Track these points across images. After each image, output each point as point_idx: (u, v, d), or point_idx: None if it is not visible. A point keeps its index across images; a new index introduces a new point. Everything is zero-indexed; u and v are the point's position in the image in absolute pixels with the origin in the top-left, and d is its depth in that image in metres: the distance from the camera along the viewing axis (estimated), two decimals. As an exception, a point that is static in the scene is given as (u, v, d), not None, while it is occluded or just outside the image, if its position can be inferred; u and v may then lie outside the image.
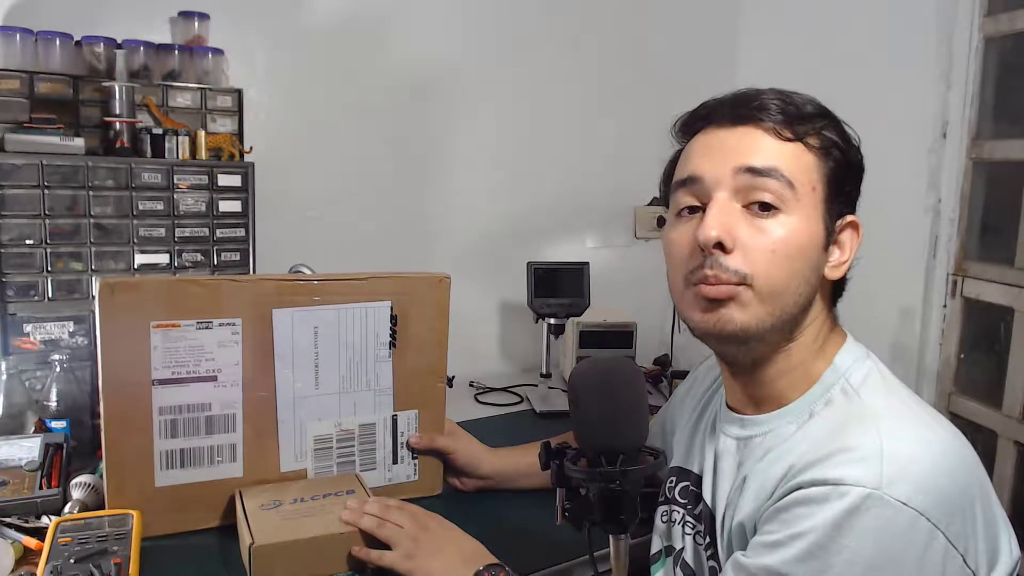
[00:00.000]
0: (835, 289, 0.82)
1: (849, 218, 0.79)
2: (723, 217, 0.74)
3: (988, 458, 1.67)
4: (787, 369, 0.79)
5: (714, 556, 0.82)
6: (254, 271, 1.61)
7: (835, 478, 0.65)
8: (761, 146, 0.75)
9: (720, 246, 0.73)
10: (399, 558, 0.95)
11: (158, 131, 1.53)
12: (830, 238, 0.77)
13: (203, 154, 1.56)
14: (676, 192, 0.80)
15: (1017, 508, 1.64)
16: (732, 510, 0.78)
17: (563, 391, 1.83)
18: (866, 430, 0.68)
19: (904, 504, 0.63)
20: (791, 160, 0.75)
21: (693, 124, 0.82)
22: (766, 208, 0.74)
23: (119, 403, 1.03)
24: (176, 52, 1.60)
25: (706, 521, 0.84)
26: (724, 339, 0.76)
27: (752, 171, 0.74)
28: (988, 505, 0.70)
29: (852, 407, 0.73)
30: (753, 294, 0.74)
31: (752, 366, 0.79)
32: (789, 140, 0.75)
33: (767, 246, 0.73)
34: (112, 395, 1.02)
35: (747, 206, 0.74)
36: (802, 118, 0.76)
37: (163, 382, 1.05)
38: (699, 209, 0.77)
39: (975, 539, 0.67)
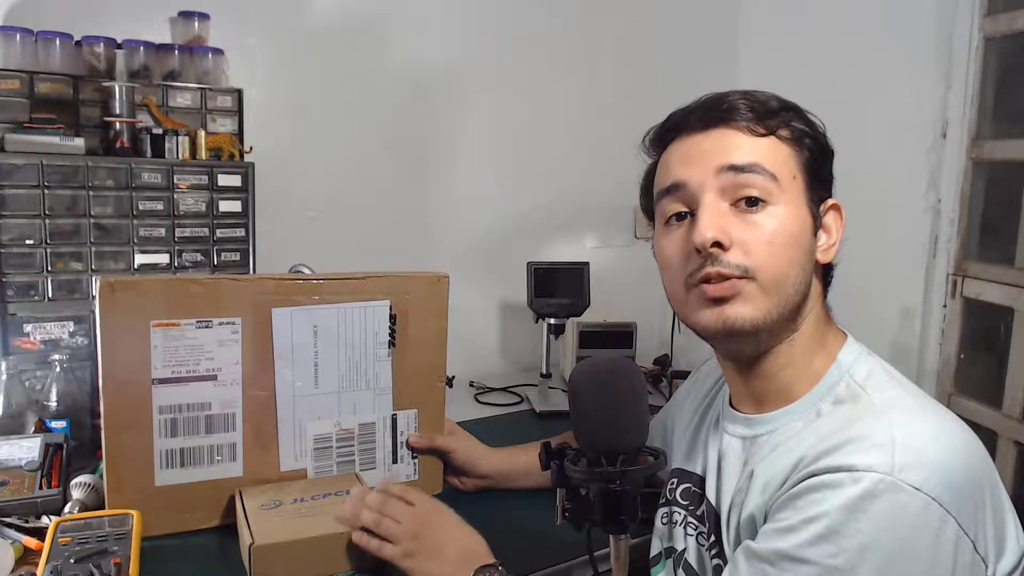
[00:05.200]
0: (825, 275, 0.83)
1: (831, 201, 0.81)
2: (716, 217, 0.75)
3: (988, 458, 1.67)
4: (789, 361, 0.79)
5: (719, 555, 0.82)
6: (254, 271, 1.61)
7: (848, 465, 0.66)
8: (738, 144, 0.77)
9: (718, 245, 0.74)
10: (398, 555, 0.94)
11: (158, 131, 1.53)
12: (817, 223, 0.79)
13: (203, 154, 1.56)
14: (661, 201, 0.81)
15: (1017, 508, 1.63)
16: (739, 506, 0.78)
17: (563, 391, 1.83)
18: (876, 420, 0.69)
19: (917, 489, 0.63)
20: (769, 154, 0.76)
21: (665, 135, 0.83)
22: (754, 203, 0.75)
23: (119, 403, 1.03)
24: (176, 52, 1.60)
25: (710, 521, 0.84)
26: (733, 335, 0.76)
27: (734, 169, 0.75)
28: (996, 494, 0.71)
29: (860, 402, 0.74)
30: (756, 286, 0.74)
31: (757, 359, 0.80)
32: (763, 135, 0.77)
33: (763, 238, 0.75)
34: (112, 395, 1.02)
35: (735, 203, 0.76)
36: (770, 113, 0.78)
37: (163, 381, 1.05)
38: (687, 215, 0.79)
39: (984, 526, 0.68)
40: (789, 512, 0.69)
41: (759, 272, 0.74)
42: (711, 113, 0.78)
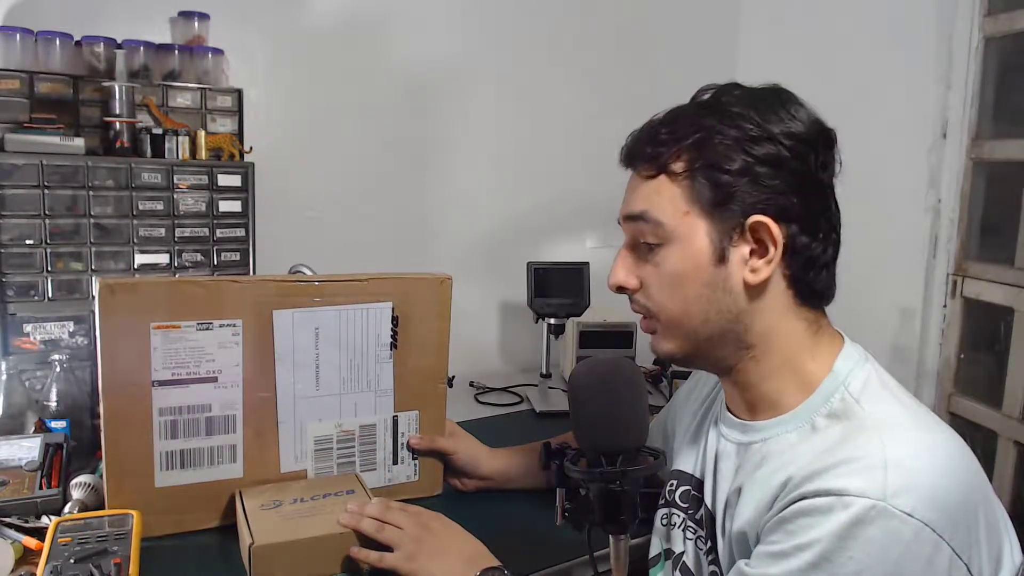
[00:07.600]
0: (800, 289, 0.77)
1: (756, 219, 0.74)
2: (622, 264, 0.82)
3: (988, 458, 1.67)
4: (767, 373, 0.79)
5: (715, 561, 0.81)
6: (254, 271, 1.61)
7: (838, 488, 0.65)
8: (634, 191, 0.81)
9: (623, 289, 0.82)
10: (401, 559, 0.94)
11: (158, 131, 1.53)
12: (724, 250, 0.75)
13: (203, 154, 1.56)
14: None
15: (1017, 508, 1.64)
16: (731, 514, 0.78)
17: (563, 391, 1.83)
18: (868, 440, 0.68)
19: (909, 515, 0.63)
20: (654, 197, 0.78)
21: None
22: (650, 247, 0.79)
23: (119, 403, 1.02)
24: (176, 52, 1.60)
25: (707, 524, 0.84)
26: (672, 362, 0.85)
27: (628, 218, 0.81)
28: (991, 511, 0.70)
29: (854, 417, 0.72)
30: (660, 326, 0.81)
31: (729, 372, 0.82)
32: (652, 177, 0.79)
33: (658, 280, 0.79)
34: (112, 395, 1.02)
35: (641, 246, 0.81)
36: (658, 153, 0.78)
37: (163, 383, 1.04)
38: None
39: (979, 547, 0.67)
40: (780, 535, 0.68)
41: (658, 313, 0.80)
42: (625, 157, 0.83)
